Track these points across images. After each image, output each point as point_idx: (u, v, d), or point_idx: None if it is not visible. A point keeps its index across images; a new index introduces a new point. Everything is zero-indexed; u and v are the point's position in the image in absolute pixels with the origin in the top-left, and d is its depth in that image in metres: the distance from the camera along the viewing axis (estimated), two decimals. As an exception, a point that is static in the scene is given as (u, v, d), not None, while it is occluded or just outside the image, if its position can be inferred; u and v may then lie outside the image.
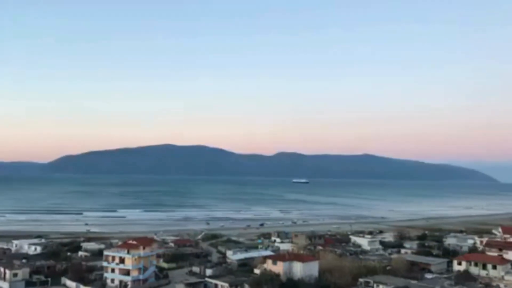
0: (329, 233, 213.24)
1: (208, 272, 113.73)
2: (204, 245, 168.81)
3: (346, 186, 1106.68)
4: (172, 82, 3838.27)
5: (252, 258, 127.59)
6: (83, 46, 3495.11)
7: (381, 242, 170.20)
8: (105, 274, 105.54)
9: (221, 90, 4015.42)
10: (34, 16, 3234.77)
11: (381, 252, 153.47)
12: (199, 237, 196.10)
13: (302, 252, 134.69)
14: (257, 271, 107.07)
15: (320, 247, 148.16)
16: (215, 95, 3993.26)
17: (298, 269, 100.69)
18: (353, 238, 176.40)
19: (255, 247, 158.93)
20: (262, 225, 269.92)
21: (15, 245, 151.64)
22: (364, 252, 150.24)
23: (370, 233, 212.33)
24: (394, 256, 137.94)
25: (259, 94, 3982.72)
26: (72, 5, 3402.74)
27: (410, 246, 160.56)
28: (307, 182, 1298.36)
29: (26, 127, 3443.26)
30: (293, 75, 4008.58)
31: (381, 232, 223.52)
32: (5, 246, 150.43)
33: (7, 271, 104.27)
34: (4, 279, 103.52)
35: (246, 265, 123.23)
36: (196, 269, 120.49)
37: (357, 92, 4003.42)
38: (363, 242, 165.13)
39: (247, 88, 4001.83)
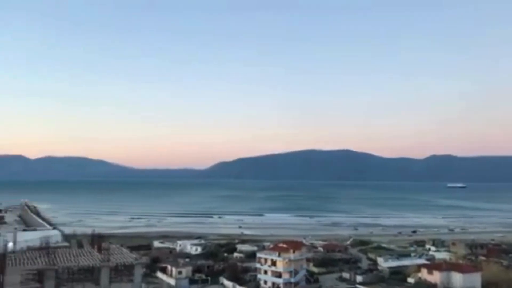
0: (492, 242, 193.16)
1: (359, 278, 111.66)
2: (353, 251, 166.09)
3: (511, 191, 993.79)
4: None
5: (405, 266, 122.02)
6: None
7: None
8: (258, 276, 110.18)
9: (371, 93, 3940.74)
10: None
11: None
12: (348, 242, 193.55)
13: (461, 262, 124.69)
14: (410, 280, 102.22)
15: (482, 257, 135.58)
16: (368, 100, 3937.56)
17: (458, 280, 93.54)
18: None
19: (407, 255, 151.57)
20: (414, 232, 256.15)
21: (179, 245, 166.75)
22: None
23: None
24: None
25: (414, 96, 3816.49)
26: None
27: None
28: (464, 187, 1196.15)
29: (187, 136, 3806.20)
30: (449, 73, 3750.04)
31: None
32: (171, 246, 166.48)
33: (173, 269, 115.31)
34: (171, 276, 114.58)
35: (398, 273, 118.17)
36: (346, 275, 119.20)
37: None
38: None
39: (401, 91, 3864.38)
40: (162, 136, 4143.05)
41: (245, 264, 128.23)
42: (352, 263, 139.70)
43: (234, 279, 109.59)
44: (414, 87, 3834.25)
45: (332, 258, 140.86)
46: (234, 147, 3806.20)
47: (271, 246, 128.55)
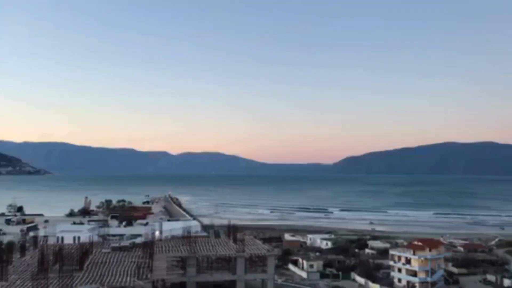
0: None
1: (507, 282, 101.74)
2: (499, 252, 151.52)
3: None
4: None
5: None
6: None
7: None
8: (392, 273, 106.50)
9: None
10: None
11: None
12: (493, 242, 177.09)
13: None
14: None
15: None
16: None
17: None
18: None
19: None
20: None
21: (309, 239, 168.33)
22: None
23: None
24: None
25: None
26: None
27: None
28: None
29: (315, 131, 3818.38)
30: None
31: None
32: (301, 239, 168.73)
33: (304, 262, 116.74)
34: (302, 268, 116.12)
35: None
36: (491, 277, 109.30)
37: None
38: None
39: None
40: (292, 132, 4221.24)
41: (377, 261, 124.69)
42: (498, 266, 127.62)
43: (366, 275, 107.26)
44: None
45: (474, 259, 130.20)
46: (362, 141, 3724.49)
47: (405, 243, 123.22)
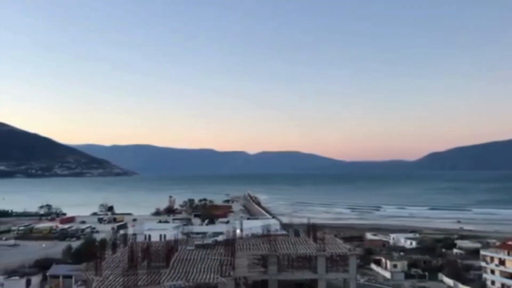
0: None
1: None
2: None
3: None
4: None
5: None
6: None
7: None
8: (484, 275, 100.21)
9: None
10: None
11: None
12: None
13: None
14: None
15: None
16: None
17: None
18: None
19: None
20: None
21: (392, 238, 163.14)
22: None
23: None
24: None
25: None
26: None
27: None
28: None
29: (395, 128, 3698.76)
30: None
31: None
32: (383, 239, 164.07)
33: (388, 262, 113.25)
34: (385, 268, 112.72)
35: None
36: None
37: None
38: None
39: None
40: (371, 128, 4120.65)
41: (466, 262, 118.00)
42: None
43: (455, 276, 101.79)
44: None
45: None
46: (446, 136, 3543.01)
47: (498, 243, 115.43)
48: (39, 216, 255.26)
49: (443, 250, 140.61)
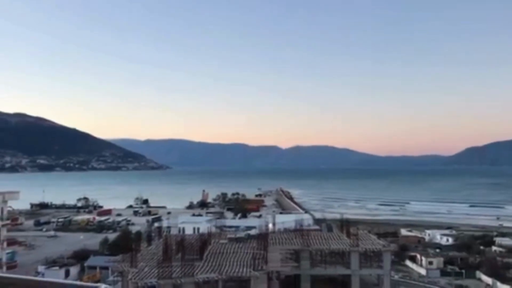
0: None
1: None
2: None
3: None
4: None
5: None
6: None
7: None
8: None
9: None
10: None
11: None
12: None
13: None
14: None
15: None
16: None
17: None
18: None
19: None
20: None
21: (427, 235, 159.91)
22: None
23: None
24: None
25: None
26: None
27: None
28: None
29: (431, 121, 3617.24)
30: None
31: None
32: (418, 235, 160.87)
33: (423, 259, 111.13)
34: (421, 265, 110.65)
35: None
36: None
37: None
38: None
39: None
40: (405, 123, 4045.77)
41: (506, 260, 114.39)
42: None
43: (494, 274, 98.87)
44: None
45: None
46: (485, 130, 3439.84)
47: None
48: (77, 209, 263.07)
49: (481, 247, 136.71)
